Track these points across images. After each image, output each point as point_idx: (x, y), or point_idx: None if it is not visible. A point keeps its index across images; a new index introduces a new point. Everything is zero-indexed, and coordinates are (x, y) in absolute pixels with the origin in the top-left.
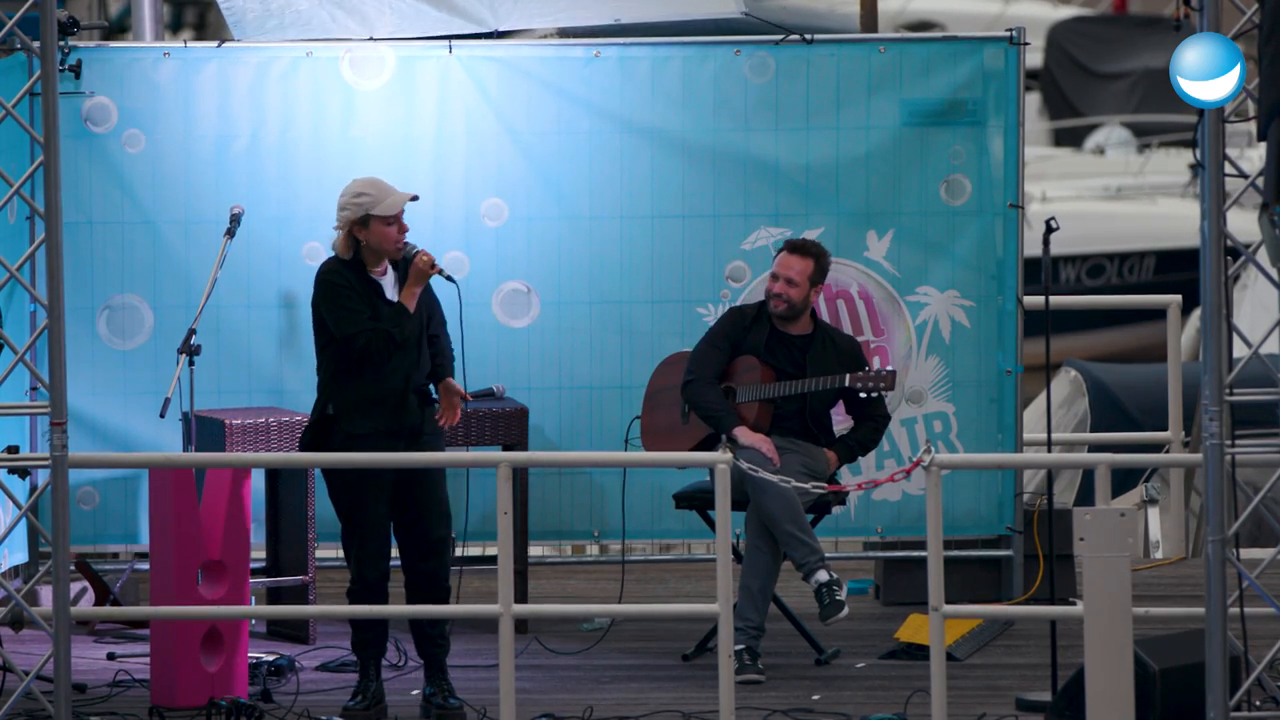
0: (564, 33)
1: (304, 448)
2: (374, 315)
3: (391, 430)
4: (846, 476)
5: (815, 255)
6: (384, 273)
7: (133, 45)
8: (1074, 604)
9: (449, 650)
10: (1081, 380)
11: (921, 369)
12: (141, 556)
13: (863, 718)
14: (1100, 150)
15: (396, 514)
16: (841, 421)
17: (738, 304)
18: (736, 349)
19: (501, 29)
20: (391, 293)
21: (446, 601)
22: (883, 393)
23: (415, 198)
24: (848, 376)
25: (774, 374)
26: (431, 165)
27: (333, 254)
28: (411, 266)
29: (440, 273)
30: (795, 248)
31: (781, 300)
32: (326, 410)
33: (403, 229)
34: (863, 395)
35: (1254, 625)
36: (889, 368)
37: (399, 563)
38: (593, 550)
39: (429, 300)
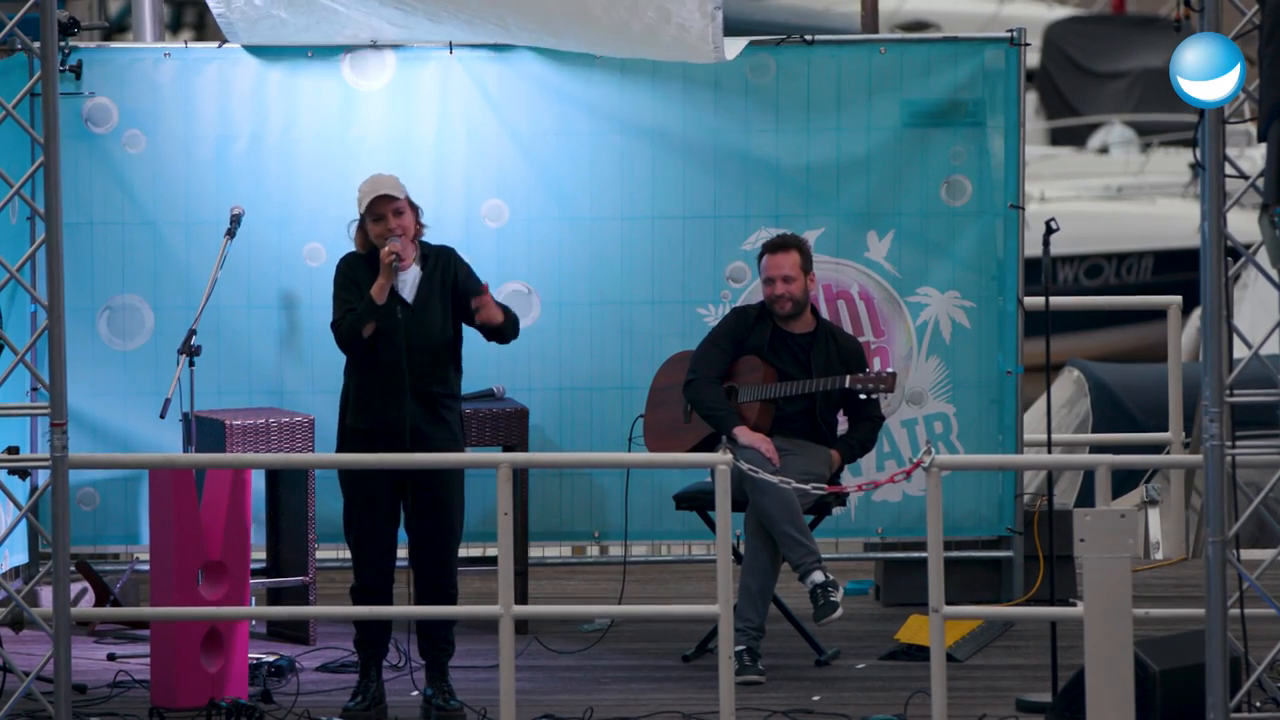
0: None
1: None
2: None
3: (384, 430)
4: (847, 477)
5: (796, 245)
6: (406, 268)
7: (133, 46)
8: (1074, 605)
9: (453, 654)
10: (1084, 380)
11: (922, 370)
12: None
13: (863, 718)
14: (1104, 149)
15: (405, 517)
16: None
17: (740, 304)
18: (739, 349)
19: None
20: (409, 290)
21: (453, 605)
22: (882, 395)
23: (389, 197)
24: (848, 378)
25: (776, 374)
26: (432, 166)
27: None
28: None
29: (392, 263)
30: (776, 246)
31: (785, 300)
32: (341, 402)
33: (395, 227)
34: (862, 397)
35: (1254, 626)
36: (889, 370)
37: (405, 563)
38: (593, 551)
39: (454, 293)
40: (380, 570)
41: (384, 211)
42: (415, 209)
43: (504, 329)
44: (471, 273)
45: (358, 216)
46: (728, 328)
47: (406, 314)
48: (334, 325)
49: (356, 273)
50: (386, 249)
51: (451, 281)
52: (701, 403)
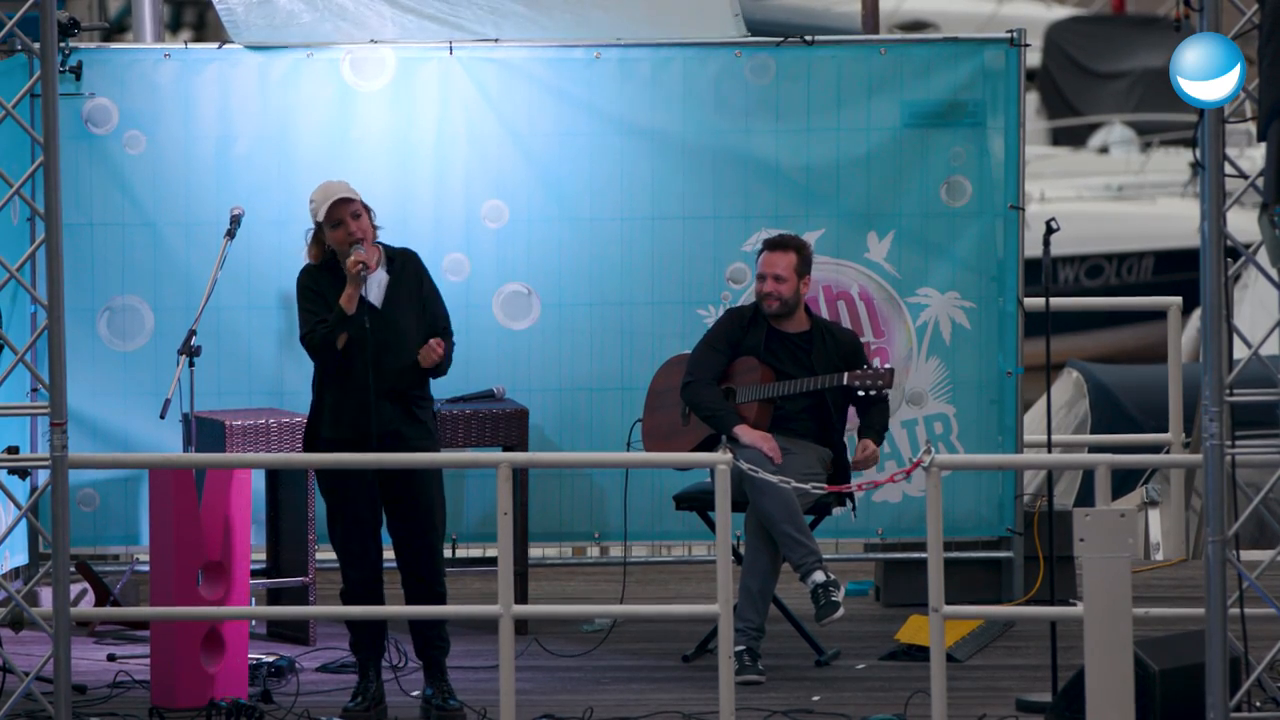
0: None
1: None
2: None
3: (361, 436)
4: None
5: (796, 247)
6: (372, 270)
7: (133, 46)
8: (1074, 605)
9: (449, 651)
10: (1083, 381)
11: (922, 370)
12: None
13: (863, 718)
14: (1104, 149)
15: (387, 518)
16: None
17: (736, 305)
18: (736, 350)
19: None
20: (377, 293)
21: (443, 604)
22: (881, 391)
23: (347, 199)
24: (846, 375)
25: (773, 374)
26: (432, 167)
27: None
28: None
29: (359, 273)
30: (774, 244)
31: (773, 298)
32: (312, 415)
33: (356, 231)
34: (861, 394)
35: (1254, 626)
36: (887, 365)
37: (393, 564)
38: (593, 552)
39: (421, 301)
40: (362, 571)
41: (342, 216)
42: (369, 210)
43: (441, 367)
44: (434, 287)
45: (312, 226)
46: (723, 329)
47: (376, 318)
48: (304, 338)
49: (319, 283)
50: (352, 259)
51: (418, 285)
52: (700, 404)
